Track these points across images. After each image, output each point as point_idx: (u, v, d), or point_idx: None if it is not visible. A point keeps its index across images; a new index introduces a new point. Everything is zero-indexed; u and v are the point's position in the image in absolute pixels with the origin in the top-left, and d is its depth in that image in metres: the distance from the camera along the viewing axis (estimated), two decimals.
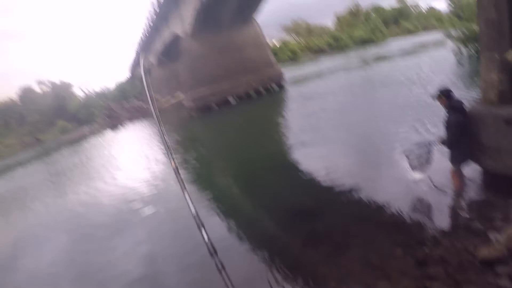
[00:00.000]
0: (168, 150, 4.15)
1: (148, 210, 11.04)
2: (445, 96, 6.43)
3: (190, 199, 3.50)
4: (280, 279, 6.01)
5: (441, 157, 7.35)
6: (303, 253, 6.59)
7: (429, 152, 7.06)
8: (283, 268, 6.27)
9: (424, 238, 5.87)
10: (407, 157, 7.37)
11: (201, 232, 3.23)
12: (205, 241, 3.16)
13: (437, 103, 6.70)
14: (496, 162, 6.15)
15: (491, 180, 6.68)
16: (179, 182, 3.73)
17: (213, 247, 3.13)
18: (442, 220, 6.34)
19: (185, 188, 3.63)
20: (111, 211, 12.15)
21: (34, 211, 16.04)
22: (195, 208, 3.42)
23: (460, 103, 6.45)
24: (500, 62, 5.94)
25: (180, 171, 3.88)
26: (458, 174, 6.71)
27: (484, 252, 4.87)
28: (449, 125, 6.33)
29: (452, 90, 6.53)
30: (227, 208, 10.04)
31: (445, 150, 6.71)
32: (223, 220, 9.23)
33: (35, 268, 9.63)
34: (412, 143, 7.84)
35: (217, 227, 8.70)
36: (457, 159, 6.50)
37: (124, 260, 8.42)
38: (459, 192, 6.76)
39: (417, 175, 7.74)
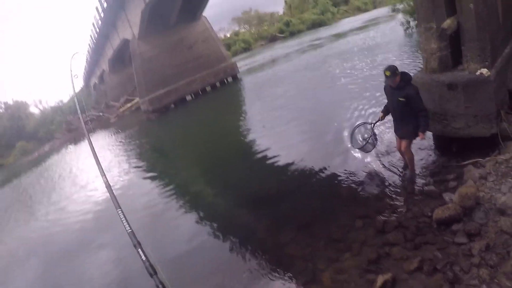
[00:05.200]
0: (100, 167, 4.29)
1: None
2: (398, 72, 6.08)
3: (125, 217, 3.33)
4: (247, 264, 6.08)
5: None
6: (268, 237, 6.65)
7: (373, 133, 7.28)
8: (249, 254, 6.33)
9: (382, 207, 6.03)
10: (352, 137, 7.64)
11: (138, 252, 2.99)
12: (143, 262, 2.89)
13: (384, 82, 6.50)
14: (443, 126, 6.39)
15: (441, 144, 6.95)
16: (112, 199, 3.63)
17: (152, 268, 2.83)
18: (398, 188, 6.53)
19: (118, 206, 3.48)
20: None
21: None
22: (130, 227, 3.24)
23: (408, 74, 6.26)
24: (438, 32, 6.13)
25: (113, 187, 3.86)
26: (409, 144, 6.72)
27: (439, 213, 5.03)
28: (416, 97, 6.00)
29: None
30: (193, 200, 10.16)
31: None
32: (190, 210, 9.44)
33: None
34: (356, 123, 8.06)
35: (184, 217, 9.07)
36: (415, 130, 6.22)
37: None
38: (412, 161, 6.83)
39: (362, 153, 8.04)
